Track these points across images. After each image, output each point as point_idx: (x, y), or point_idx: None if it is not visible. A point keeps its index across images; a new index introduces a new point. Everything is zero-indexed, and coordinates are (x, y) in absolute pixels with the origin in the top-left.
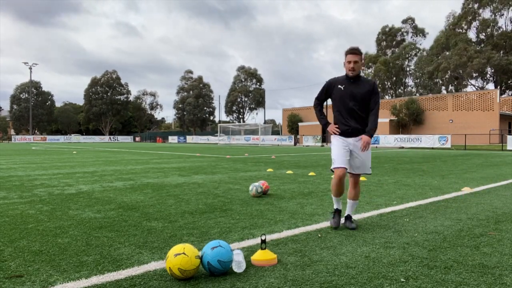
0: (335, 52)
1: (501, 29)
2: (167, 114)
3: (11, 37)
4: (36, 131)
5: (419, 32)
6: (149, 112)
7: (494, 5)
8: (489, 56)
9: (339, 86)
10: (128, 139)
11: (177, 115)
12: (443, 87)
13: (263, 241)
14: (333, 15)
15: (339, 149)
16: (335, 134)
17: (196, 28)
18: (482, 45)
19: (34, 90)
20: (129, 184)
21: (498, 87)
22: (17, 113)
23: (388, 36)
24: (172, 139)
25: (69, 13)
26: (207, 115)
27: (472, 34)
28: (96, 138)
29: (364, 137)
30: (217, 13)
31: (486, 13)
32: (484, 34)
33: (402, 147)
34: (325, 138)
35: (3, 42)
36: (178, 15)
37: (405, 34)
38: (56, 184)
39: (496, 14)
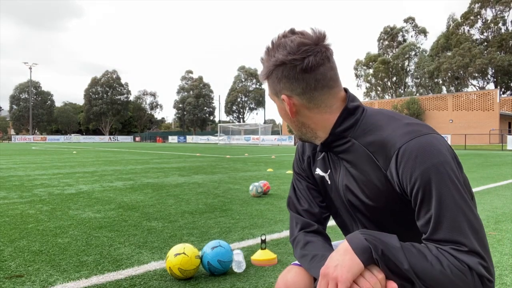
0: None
1: (502, 30)
2: (167, 114)
3: (14, 40)
4: (36, 131)
5: (421, 32)
6: (149, 112)
7: (496, 6)
8: (491, 56)
9: None
10: (128, 139)
11: (177, 115)
12: (444, 87)
13: (263, 241)
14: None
15: None
16: None
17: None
18: (486, 44)
19: (34, 90)
20: (129, 184)
21: (498, 87)
22: (17, 113)
23: (389, 36)
24: (172, 139)
25: (71, 18)
26: (207, 115)
27: (475, 34)
28: (96, 138)
29: None
30: None
31: (488, 14)
32: (485, 34)
33: None
34: None
35: (7, 45)
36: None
37: (405, 33)
38: (56, 184)
39: (498, 14)
